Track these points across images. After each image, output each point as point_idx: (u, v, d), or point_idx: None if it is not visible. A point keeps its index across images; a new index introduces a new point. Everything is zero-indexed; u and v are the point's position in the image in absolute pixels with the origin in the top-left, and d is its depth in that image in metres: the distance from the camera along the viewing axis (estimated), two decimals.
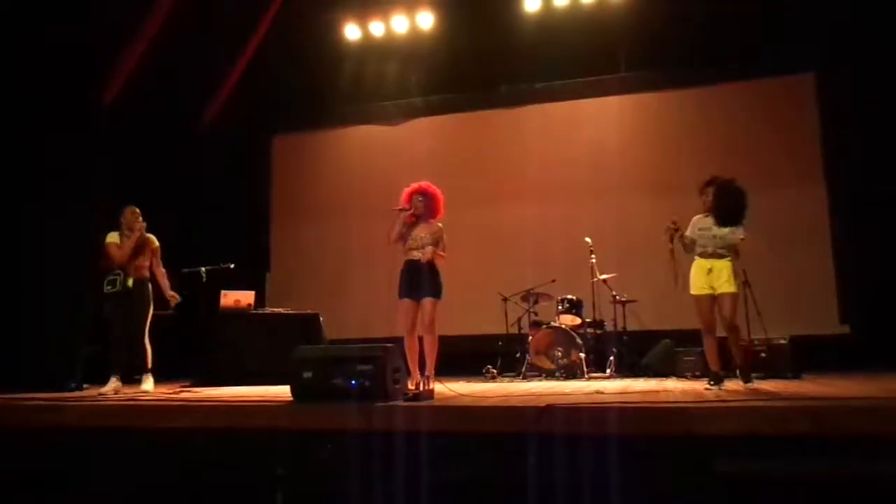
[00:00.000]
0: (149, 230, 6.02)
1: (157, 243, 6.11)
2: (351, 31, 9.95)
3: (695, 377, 6.50)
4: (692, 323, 5.21)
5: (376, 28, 9.87)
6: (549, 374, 7.10)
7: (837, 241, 8.27)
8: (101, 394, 5.45)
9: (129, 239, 5.90)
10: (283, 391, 4.63)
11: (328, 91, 10.09)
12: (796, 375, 6.22)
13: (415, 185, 5.44)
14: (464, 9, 9.56)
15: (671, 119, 9.14)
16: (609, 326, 7.77)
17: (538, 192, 9.23)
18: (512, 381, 6.84)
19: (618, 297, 7.67)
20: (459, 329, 7.68)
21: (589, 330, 7.56)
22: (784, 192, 8.35)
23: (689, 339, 6.35)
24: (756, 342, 6.56)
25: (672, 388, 5.23)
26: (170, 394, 5.46)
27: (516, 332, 7.79)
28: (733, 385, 4.95)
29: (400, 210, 5.34)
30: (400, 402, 3.97)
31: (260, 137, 10.58)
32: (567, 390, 5.12)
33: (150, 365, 5.92)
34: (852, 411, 3.22)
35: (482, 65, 9.52)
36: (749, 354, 6.31)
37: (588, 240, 7.69)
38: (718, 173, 5.18)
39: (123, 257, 5.87)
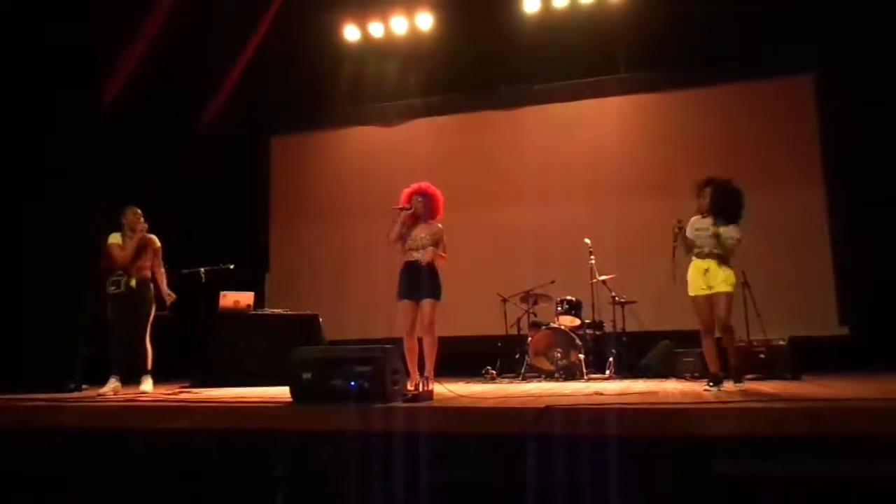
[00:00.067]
0: (148, 230, 6.03)
1: (158, 244, 6.13)
2: (350, 32, 9.95)
3: (694, 378, 6.49)
4: (691, 324, 5.21)
5: (375, 29, 9.86)
6: (549, 376, 7.09)
7: (837, 241, 8.27)
8: (100, 394, 5.46)
9: (131, 240, 5.92)
10: (282, 392, 4.63)
11: (328, 91, 10.08)
12: (795, 376, 6.22)
13: (414, 186, 5.45)
14: (463, 10, 9.55)
15: (670, 120, 9.14)
16: (608, 327, 7.76)
17: (537, 193, 9.23)
18: (511, 383, 6.84)
19: (617, 298, 7.67)
20: (459, 330, 7.69)
21: (588, 331, 7.55)
22: (783, 193, 8.35)
23: (688, 339, 6.35)
24: (755, 343, 6.56)
25: (671, 389, 5.23)
26: (169, 395, 5.46)
27: (515, 333, 7.79)
28: (732, 386, 4.95)
29: (400, 209, 5.34)
30: (399, 404, 3.97)
31: (259, 138, 10.58)
32: (566, 391, 5.12)
33: (150, 366, 5.93)
34: (851, 412, 3.23)
35: (481, 66, 9.52)
36: (747, 356, 6.34)
37: (587, 241, 7.70)
38: (718, 174, 5.19)
39: (126, 258, 5.89)
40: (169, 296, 6.07)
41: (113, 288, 5.87)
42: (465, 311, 7.99)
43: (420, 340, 5.24)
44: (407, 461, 3.31)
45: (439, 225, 5.43)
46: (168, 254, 6.25)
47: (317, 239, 10.09)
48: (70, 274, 7.02)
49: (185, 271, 7.11)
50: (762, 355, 6.49)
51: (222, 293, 7.29)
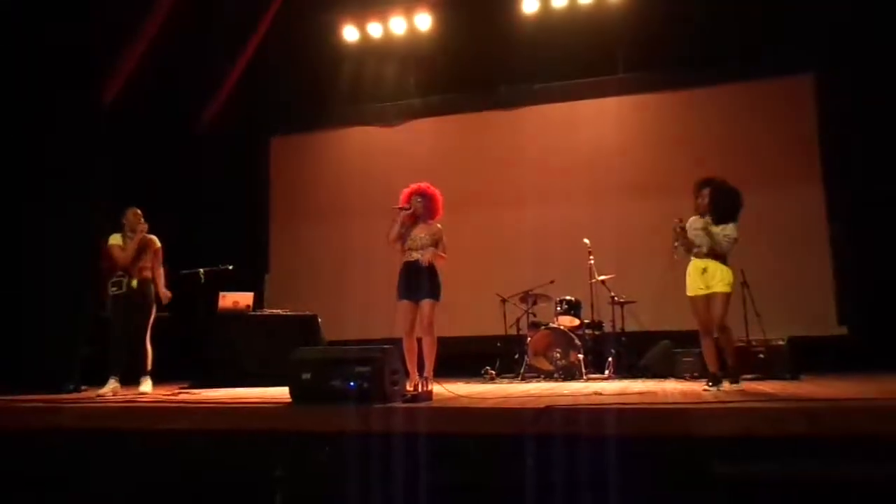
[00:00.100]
0: (149, 230, 6.03)
1: (158, 244, 6.13)
2: (349, 33, 9.96)
3: (693, 378, 6.49)
4: (691, 324, 5.21)
5: (374, 29, 9.87)
6: (548, 376, 7.09)
7: (836, 242, 8.27)
8: (99, 395, 5.46)
9: (132, 241, 5.92)
10: (281, 393, 4.63)
11: (327, 92, 10.09)
12: (794, 376, 6.22)
13: (414, 186, 5.46)
14: (462, 10, 9.55)
15: (670, 120, 9.14)
16: (608, 327, 7.77)
17: (537, 193, 9.23)
18: (510, 383, 6.84)
19: (616, 298, 7.67)
20: (458, 330, 7.70)
21: (587, 331, 7.56)
22: (783, 193, 8.36)
23: (687, 339, 6.35)
24: (754, 343, 6.57)
25: (670, 389, 5.23)
26: (168, 395, 5.46)
27: (515, 333, 7.79)
28: (730, 386, 4.95)
29: (399, 209, 5.35)
30: (398, 404, 3.97)
31: (259, 138, 10.58)
32: (565, 391, 5.12)
33: (149, 367, 5.93)
34: (850, 412, 3.23)
35: (480, 66, 9.52)
36: (746, 356, 6.34)
37: (587, 241, 7.70)
38: (718, 174, 5.19)
39: (127, 259, 5.89)
40: (165, 295, 6.07)
41: (115, 289, 5.88)
42: (465, 312, 8.00)
43: (419, 341, 5.25)
44: (406, 461, 3.31)
45: (438, 225, 5.43)
46: (168, 254, 6.25)
47: (316, 239, 10.09)
48: (70, 274, 7.02)
49: (184, 272, 7.11)
50: (761, 355, 6.50)
51: (221, 294, 7.30)
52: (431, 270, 5.26)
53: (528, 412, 3.43)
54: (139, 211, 6.04)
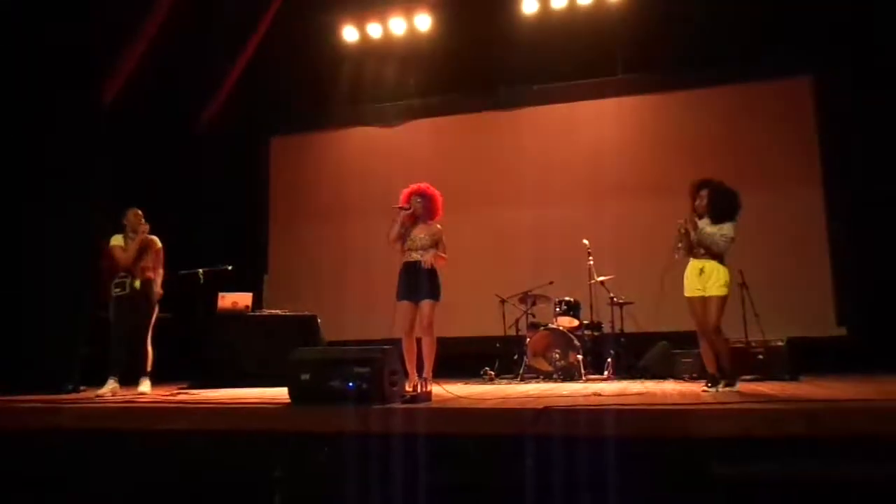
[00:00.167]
0: (149, 231, 6.03)
1: (159, 245, 6.14)
2: (349, 33, 9.96)
3: (692, 379, 6.50)
4: (690, 325, 5.21)
5: (374, 30, 9.88)
6: (547, 376, 7.10)
7: (835, 242, 8.28)
8: (98, 395, 5.45)
9: (133, 241, 5.92)
10: (280, 393, 4.62)
11: (327, 92, 10.10)
12: (793, 377, 6.22)
13: (414, 187, 5.46)
14: (461, 11, 9.56)
15: (669, 121, 9.15)
16: (607, 328, 7.77)
17: (536, 194, 9.23)
18: (510, 383, 6.84)
19: (615, 299, 7.67)
20: (457, 331, 7.70)
21: (586, 332, 7.56)
22: (782, 194, 8.37)
23: (686, 340, 6.35)
24: (753, 344, 6.57)
25: (669, 389, 5.24)
26: (167, 396, 5.45)
27: (514, 333, 7.79)
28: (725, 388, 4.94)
29: (399, 209, 5.35)
30: (397, 405, 3.97)
31: (259, 138, 10.59)
32: (565, 392, 5.12)
33: (149, 368, 5.93)
34: (850, 413, 3.24)
35: (480, 67, 9.53)
36: (745, 357, 6.33)
37: (586, 242, 7.70)
38: (717, 175, 5.19)
39: (128, 260, 5.90)
40: (157, 294, 6.07)
41: (118, 290, 5.88)
42: (464, 312, 7.99)
43: (419, 341, 5.25)
44: (405, 462, 3.31)
45: (438, 226, 5.43)
46: (168, 254, 6.25)
47: (316, 239, 10.10)
48: (70, 274, 7.01)
49: (183, 272, 7.11)
50: (760, 356, 6.49)
51: (221, 294, 7.30)
52: (431, 271, 5.26)
53: (527, 413, 3.43)
54: (140, 211, 6.05)
